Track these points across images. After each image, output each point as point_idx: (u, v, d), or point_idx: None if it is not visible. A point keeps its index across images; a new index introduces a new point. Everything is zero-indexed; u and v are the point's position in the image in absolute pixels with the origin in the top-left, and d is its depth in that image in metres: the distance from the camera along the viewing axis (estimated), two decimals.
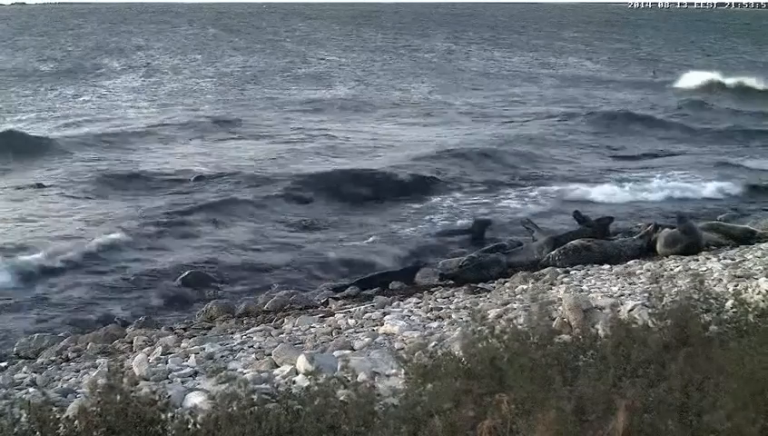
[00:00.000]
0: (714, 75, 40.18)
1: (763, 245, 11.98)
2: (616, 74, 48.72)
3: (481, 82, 42.82)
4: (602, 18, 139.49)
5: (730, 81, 39.01)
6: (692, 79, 40.00)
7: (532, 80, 43.80)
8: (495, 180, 19.61)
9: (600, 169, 21.08)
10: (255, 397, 3.88)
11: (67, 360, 8.84)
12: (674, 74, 43.46)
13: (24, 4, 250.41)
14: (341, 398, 3.90)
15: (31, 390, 7.48)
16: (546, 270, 11.41)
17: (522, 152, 22.82)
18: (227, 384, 3.89)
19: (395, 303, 10.18)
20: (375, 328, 8.71)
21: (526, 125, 27.86)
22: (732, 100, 34.48)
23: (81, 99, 34.44)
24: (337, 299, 10.90)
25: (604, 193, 17.90)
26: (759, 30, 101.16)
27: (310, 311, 10.30)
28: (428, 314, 9.27)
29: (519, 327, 4.25)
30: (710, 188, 18.20)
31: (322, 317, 9.72)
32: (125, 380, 3.86)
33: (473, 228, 14.76)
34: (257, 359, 7.68)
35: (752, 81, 38.42)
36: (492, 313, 7.97)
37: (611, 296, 8.89)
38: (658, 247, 12.35)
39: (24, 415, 3.71)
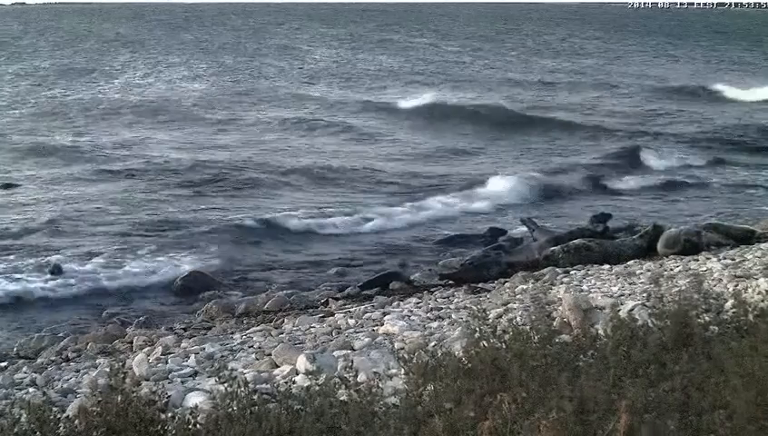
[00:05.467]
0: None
1: (763, 245, 11.97)
2: None
3: None
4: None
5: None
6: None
7: None
8: None
9: None
10: (255, 397, 3.88)
11: (67, 360, 8.84)
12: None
13: (24, 4, 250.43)
14: (342, 398, 3.90)
15: (31, 390, 7.48)
16: (546, 270, 11.41)
17: None
18: (227, 384, 3.89)
19: (395, 303, 10.18)
20: (375, 328, 8.70)
21: None
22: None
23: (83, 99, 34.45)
24: (337, 299, 10.90)
25: None
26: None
27: (310, 311, 10.30)
28: (428, 314, 9.26)
29: (521, 327, 4.25)
30: None
31: (322, 317, 9.72)
32: (127, 380, 3.85)
33: (485, 234, 14.51)
34: (257, 359, 7.68)
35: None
36: (492, 313, 7.97)
37: (611, 296, 8.89)
38: (659, 247, 12.35)
39: (24, 415, 3.71)
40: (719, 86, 37.93)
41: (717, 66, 52.53)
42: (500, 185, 18.20)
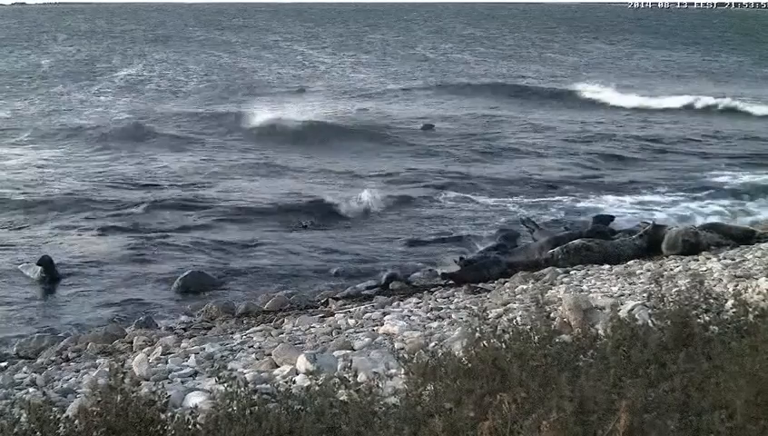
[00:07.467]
0: None
1: (763, 245, 11.98)
2: None
3: None
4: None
5: None
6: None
7: None
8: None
9: None
10: (255, 397, 3.88)
11: (67, 360, 8.84)
12: None
13: (24, 4, 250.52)
14: (342, 398, 3.90)
15: (31, 390, 7.48)
16: (546, 270, 11.42)
17: None
18: (227, 384, 3.89)
19: (395, 303, 10.19)
20: (375, 328, 8.71)
21: None
22: None
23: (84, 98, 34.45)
24: (337, 299, 10.91)
25: None
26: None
27: (310, 311, 10.30)
28: (428, 314, 9.27)
29: (521, 327, 4.25)
30: None
31: (322, 317, 9.73)
32: (127, 380, 3.84)
33: (499, 238, 13.93)
34: (257, 359, 7.68)
35: None
36: (492, 313, 7.97)
37: (611, 296, 8.89)
38: (663, 246, 12.35)
39: (24, 415, 3.71)
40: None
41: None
42: None
